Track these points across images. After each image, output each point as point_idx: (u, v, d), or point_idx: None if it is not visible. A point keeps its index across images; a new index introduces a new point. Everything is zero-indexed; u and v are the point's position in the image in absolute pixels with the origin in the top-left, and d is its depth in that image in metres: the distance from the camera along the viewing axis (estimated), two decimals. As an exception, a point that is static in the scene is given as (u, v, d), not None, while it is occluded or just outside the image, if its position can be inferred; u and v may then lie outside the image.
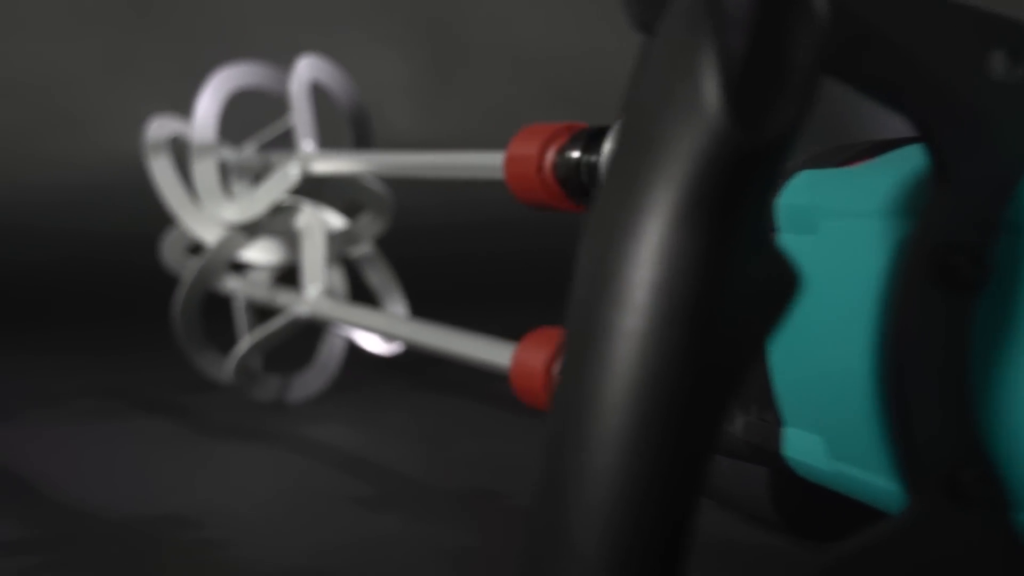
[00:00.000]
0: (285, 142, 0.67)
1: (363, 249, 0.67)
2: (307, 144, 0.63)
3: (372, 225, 0.65)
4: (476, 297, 0.97)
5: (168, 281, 0.80)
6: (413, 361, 0.73)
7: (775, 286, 0.22)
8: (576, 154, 0.42)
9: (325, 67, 0.65)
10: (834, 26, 0.23)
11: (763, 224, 0.22)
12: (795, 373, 0.31)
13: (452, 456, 0.54)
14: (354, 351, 0.70)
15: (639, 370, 0.22)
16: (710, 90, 0.22)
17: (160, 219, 0.77)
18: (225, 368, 0.64)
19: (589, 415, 0.22)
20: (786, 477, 0.35)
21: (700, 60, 0.22)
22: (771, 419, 0.32)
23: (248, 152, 0.67)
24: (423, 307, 0.74)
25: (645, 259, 0.22)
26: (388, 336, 0.55)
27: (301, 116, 0.63)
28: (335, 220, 0.65)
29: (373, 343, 0.66)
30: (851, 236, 0.29)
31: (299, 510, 0.45)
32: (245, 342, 0.62)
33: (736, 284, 0.22)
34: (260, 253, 0.67)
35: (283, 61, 0.70)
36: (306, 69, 0.63)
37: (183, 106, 0.81)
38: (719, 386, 0.22)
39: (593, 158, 0.41)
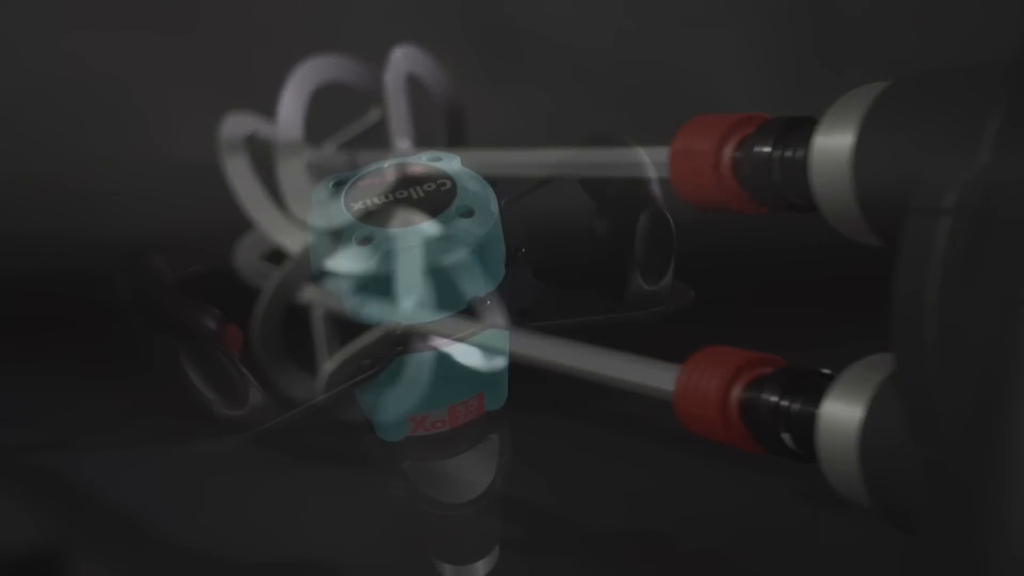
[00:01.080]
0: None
1: (458, 256, 0.62)
2: (403, 142, 0.57)
3: (470, 230, 0.60)
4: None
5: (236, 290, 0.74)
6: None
7: None
8: (767, 149, 0.37)
9: (421, 59, 0.59)
10: None
11: None
12: None
13: (597, 489, 0.47)
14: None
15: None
16: None
17: (214, 225, 0.71)
18: (314, 387, 0.58)
19: None
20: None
21: None
22: None
23: (329, 151, 0.62)
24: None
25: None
26: (499, 352, 0.50)
27: (397, 111, 0.57)
28: (429, 225, 0.60)
29: (472, 358, 0.61)
30: None
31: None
32: (335, 358, 0.57)
33: None
34: (346, 261, 0.62)
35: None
36: (402, 60, 0.58)
37: (223, 107, 0.75)
38: None
39: (789, 153, 0.36)
